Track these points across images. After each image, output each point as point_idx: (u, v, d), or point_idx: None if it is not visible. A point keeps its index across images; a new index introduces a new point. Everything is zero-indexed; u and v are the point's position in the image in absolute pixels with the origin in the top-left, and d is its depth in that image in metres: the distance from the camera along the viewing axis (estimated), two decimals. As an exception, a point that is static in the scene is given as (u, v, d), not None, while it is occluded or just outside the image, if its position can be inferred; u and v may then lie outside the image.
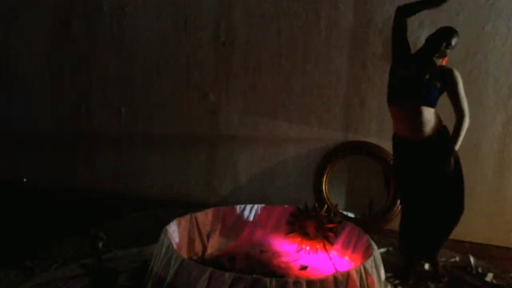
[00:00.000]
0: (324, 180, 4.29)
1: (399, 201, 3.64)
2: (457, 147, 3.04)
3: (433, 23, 3.83)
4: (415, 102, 2.95)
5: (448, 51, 2.96)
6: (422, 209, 3.12)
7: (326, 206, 3.51)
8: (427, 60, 2.96)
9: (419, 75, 2.97)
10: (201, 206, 3.64)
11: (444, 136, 3.04)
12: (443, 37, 2.94)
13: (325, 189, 4.29)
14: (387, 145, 4.13)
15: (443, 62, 3.00)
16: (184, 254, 3.05)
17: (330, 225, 3.26)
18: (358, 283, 2.46)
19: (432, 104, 2.97)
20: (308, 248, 3.32)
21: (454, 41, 2.95)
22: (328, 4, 4.16)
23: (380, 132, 4.19)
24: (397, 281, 3.20)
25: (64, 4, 4.75)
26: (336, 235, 3.24)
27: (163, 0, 4.51)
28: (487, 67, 3.91)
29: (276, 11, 4.27)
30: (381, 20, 4.07)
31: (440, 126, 3.03)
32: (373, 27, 4.10)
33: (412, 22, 3.97)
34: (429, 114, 2.96)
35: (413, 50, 3.12)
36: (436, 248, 3.28)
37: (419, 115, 2.95)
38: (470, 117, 3.03)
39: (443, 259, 3.57)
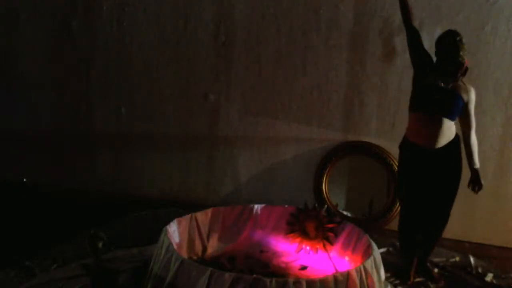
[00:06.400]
0: (324, 180, 4.29)
1: (398, 203, 3.64)
2: (477, 165, 3.10)
3: (433, 22, 3.84)
4: (441, 112, 2.96)
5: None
6: (421, 212, 3.13)
7: (326, 206, 3.51)
8: (451, 67, 2.94)
9: (445, 85, 2.97)
10: (201, 206, 3.64)
11: (456, 147, 3.07)
12: (453, 36, 2.92)
13: (325, 189, 4.29)
14: (387, 145, 4.14)
15: (467, 62, 2.98)
16: (184, 254, 3.05)
17: (330, 225, 3.26)
18: (358, 283, 2.47)
19: (453, 117, 3.01)
20: (308, 248, 3.32)
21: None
22: (328, 4, 4.16)
23: (380, 132, 4.19)
24: (397, 281, 3.20)
25: (64, 4, 4.75)
26: (336, 235, 3.24)
27: (163, 0, 4.51)
28: (487, 67, 3.91)
29: (276, 11, 4.27)
30: (381, 20, 4.07)
31: (454, 138, 3.05)
32: (373, 27, 4.10)
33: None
34: (449, 126, 2.99)
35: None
36: (427, 254, 3.30)
37: (440, 125, 2.96)
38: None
39: (443, 259, 3.57)
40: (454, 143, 3.05)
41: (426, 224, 3.17)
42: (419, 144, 3.04)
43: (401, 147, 3.21)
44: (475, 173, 3.11)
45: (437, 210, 3.13)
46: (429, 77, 3.00)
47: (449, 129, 3.01)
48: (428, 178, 3.07)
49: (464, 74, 2.98)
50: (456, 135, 3.08)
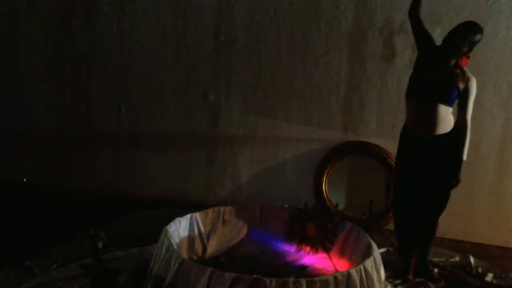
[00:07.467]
0: (324, 180, 4.29)
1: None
2: (464, 157, 3.05)
3: (433, 22, 3.83)
4: (434, 99, 2.95)
5: (466, 49, 2.92)
6: (416, 205, 3.12)
7: (325, 206, 3.51)
8: (444, 59, 2.95)
9: (440, 72, 2.96)
10: (201, 206, 3.64)
11: (453, 138, 3.03)
12: (459, 36, 2.90)
13: (325, 189, 4.29)
14: (387, 145, 4.14)
15: (466, 62, 2.97)
16: (184, 254, 3.05)
17: (330, 225, 3.26)
18: (358, 283, 2.47)
19: (449, 104, 2.98)
20: (308, 248, 3.32)
21: (477, 37, 2.91)
22: (328, 4, 4.16)
23: (380, 132, 4.19)
24: (397, 281, 3.20)
25: (64, 4, 4.75)
26: (336, 235, 3.24)
27: (163, 0, 4.51)
28: (487, 67, 3.91)
29: (276, 11, 4.28)
30: (381, 20, 4.07)
31: (452, 127, 3.03)
32: (373, 27, 4.10)
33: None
34: (445, 113, 2.98)
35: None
36: (425, 252, 3.29)
37: (434, 111, 2.96)
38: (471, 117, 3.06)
39: (443, 259, 3.57)
40: (452, 134, 3.03)
41: (420, 218, 3.15)
42: (417, 131, 3.05)
43: (400, 135, 3.21)
44: (458, 164, 3.07)
45: (432, 202, 3.12)
46: (428, 61, 2.99)
47: (446, 116, 2.99)
48: (424, 168, 3.06)
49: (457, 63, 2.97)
50: (455, 127, 3.05)
